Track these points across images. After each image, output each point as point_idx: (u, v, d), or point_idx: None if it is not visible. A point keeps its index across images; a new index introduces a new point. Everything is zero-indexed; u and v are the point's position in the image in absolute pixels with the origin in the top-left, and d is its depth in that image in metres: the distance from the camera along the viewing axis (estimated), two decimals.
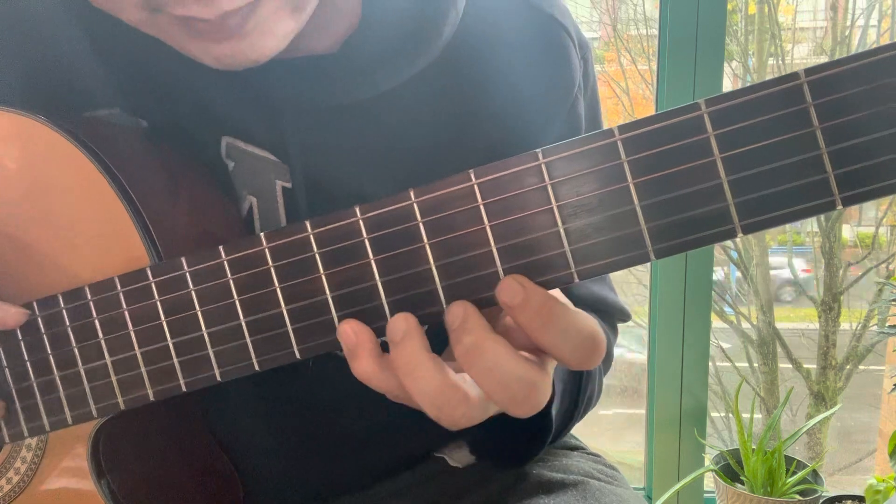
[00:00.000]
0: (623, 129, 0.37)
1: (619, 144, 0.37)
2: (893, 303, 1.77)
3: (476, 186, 0.39)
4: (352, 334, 0.40)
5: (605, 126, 0.67)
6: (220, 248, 0.44)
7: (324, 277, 0.42)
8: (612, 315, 0.70)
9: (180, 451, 0.57)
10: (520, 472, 0.62)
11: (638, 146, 0.36)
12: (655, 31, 1.69)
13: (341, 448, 0.62)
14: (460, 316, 0.38)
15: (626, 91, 2.82)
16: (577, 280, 0.38)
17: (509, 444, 0.59)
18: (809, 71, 0.34)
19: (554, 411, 0.53)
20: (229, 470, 0.59)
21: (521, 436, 0.57)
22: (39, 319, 0.49)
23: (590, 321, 0.38)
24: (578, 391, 0.59)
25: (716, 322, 2.64)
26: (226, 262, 0.44)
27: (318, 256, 0.42)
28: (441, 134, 0.58)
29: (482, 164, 0.54)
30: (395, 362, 0.38)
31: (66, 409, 0.50)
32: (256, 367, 0.45)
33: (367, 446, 0.63)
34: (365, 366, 0.40)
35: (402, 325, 0.39)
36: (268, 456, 0.61)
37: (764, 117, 0.35)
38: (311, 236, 0.42)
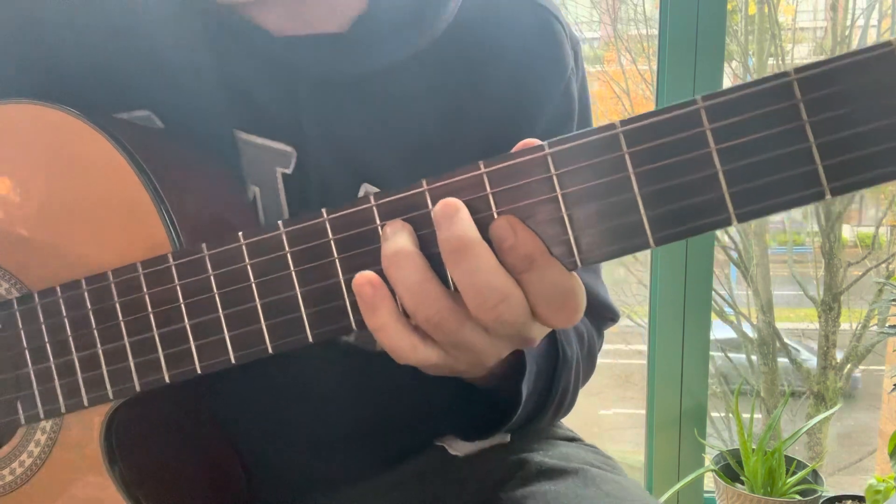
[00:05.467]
0: (624, 122, 0.39)
1: (621, 136, 0.39)
2: (893, 303, 1.77)
3: (485, 176, 0.41)
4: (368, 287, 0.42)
5: (594, 122, 0.70)
6: (240, 233, 0.46)
7: (338, 262, 0.44)
8: (601, 313, 0.71)
9: (189, 443, 0.58)
10: (520, 460, 0.62)
11: (638, 138, 0.38)
12: (655, 31, 1.69)
13: (345, 438, 0.63)
14: (452, 207, 0.40)
15: (626, 91, 2.82)
16: (580, 265, 0.40)
17: (480, 416, 0.61)
18: (799, 69, 0.36)
19: (525, 389, 0.55)
20: (235, 464, 0.60)
21: (493, 409, 0.59)
22: (61, 301, 0.51)
23: (574, 281, 0.41)
24: (553, 378, 0.60)
25: (715, 322, 2.64)
26: (244, 247, 0.46)
27: (332, 242, 0.44)
28: (444, 108, 0.60)
29: (483, 138, 0.56)
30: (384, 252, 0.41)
31: (83, 391, 0.51)
32: (270, 351, 0.46)
33: (370, 436, 0.64)
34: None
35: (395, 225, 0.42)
36: (272, 445, 0.62)
37: (756, 112, 0.37)
38: (327, 222, 0.44)
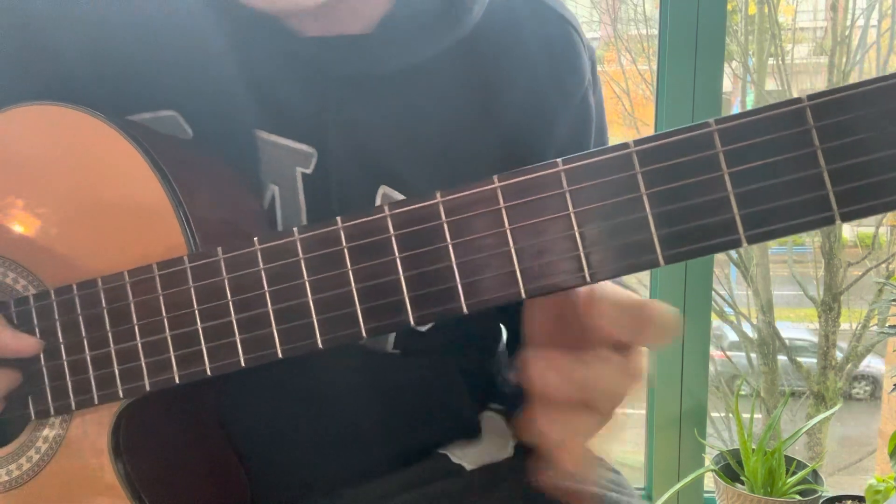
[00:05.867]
0: (638, 142, 0.39)
1: (634, 156, 0.39)
2: (893, 303, 1.78)
3: (498, 190, 0.42)
4: None
5: (610, 133, 0.72)
6: (255, 238, 0.46)
7: (350, 270, 0.45)
8: None
9: (194, 445, 0.58)
10: (528, 479, 0.61)
11: (651, 158, 0.39)
12: (655, 31, 1.69)
13: (349, 441, 0.64)
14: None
15: (626, 91, 2.82)
16: (589, 281, 0.41)
17: None
18: (812, 96, 0.37)
19: None
20: (238, 468, 0.61)
21: None
22: (77, 299, 0.51)
23: (626, 294, 0.42)
24: None
25: (715, 322, 2.64)
26: (259, 252, 0.46)
27: (346, 250, 0.44)
28: (464, 111, 0.61)
29: (501, 143, 0.58)
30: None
31: (94, 389, 0.51)
32: (279, 355, 0.47)
33: (375, 438, 0.64)
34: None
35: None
36: (277, 446, 0.62)
37: (769, 136, 0.37)
38: (341, 230, 0.44)
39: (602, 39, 3.00)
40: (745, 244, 0.38)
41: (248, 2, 0.53)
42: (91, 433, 0.53)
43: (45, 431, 0.54)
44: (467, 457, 0.66)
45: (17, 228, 0.54)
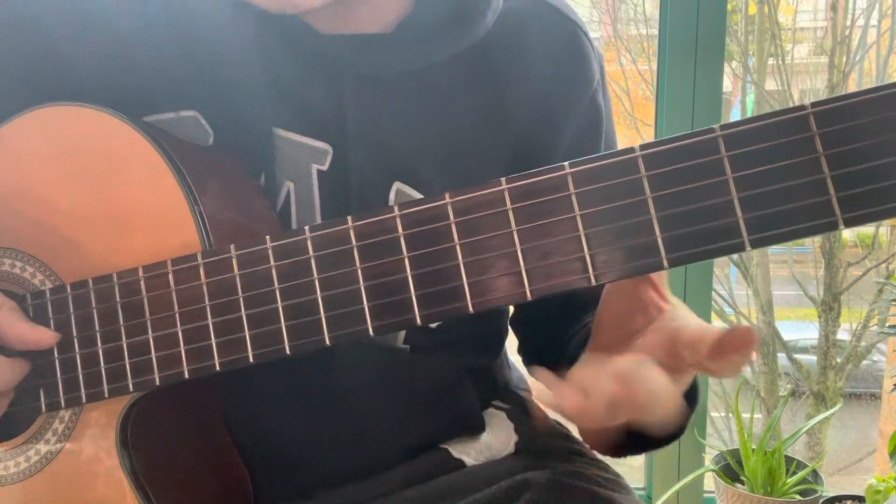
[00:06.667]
0: (644, 146, 0.40)
1: (640, 160, 0.40)
2: (893, 303, 1.78)
3: (506, 192, 0.42)
4: None
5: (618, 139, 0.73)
6: (267, 236, 0.47)
7: (359, 269, 0.45)
8: None
9: (199, 446, 0.59)
10: (527, 474, 0.62)
11: (657, 162, 0.40)
12: (655, 31, 1.69)
13: (354, 435, 0.64)
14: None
15: (626, 91, 2.82)
16: (594, 283, 0.41)
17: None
18: (816, 103, 0.37)
19: None
20: (241, 468, 0.61)
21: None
22: (92, 293, 0.52)
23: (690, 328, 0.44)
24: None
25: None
26: (270, 249, 0.47)
27: (355, 249, 0.45)
28: (478, 111, 0.63)
29: (513, 144, 0.59)
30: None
31: (105, 383, 0.52)
32: (287, 352, 0.48)
33: (379, 434, 0.65)
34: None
35: None
36: (281, 441, 0.63)
37: (773, 142, 0.38)
38: (351, 229, 0.45)
39: (602, 39, 2.99)
40: (748, 248, 0.38)
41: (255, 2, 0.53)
42: (100, 427, 0.54)
43: (55, 424, 0.55)
44: (469, 452, 0.67)
45: (36, 224, 0.55)
